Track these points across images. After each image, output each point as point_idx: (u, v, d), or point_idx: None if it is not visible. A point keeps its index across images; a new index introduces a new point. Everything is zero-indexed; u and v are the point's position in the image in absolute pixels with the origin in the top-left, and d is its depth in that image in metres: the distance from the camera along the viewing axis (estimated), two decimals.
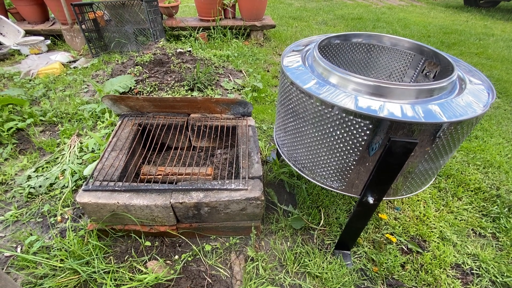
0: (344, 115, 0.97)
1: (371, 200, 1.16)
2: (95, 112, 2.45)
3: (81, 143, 2.14)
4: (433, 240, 1.57)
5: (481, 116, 0.96)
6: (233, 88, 2.97)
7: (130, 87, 2.69)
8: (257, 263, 1.42)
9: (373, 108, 0.93)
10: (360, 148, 1.02)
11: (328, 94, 1.01)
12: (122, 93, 2.65)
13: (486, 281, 1.41)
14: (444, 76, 1.35)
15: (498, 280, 1.41)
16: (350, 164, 1.08)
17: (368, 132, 0.96)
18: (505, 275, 1.42)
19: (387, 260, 1.46)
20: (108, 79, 2.78)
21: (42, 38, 3.98)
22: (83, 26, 3.59)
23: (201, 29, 4.19)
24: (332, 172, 1.16)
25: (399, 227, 1.64)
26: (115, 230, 1.46)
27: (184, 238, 1.51)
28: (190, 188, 1.32)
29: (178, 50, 2.95)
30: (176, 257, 1.43)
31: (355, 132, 0.98)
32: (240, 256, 1.48)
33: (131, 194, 1.31)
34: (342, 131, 1.01)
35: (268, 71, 3.48)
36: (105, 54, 3.85)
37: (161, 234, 1.49)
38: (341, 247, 1.50)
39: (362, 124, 0.95)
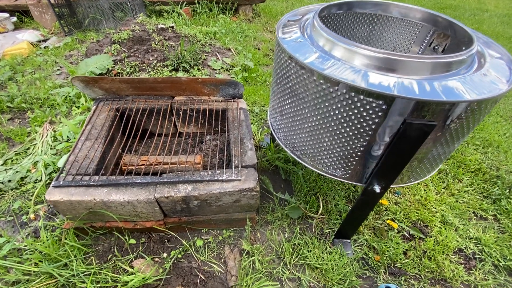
0: (352, 94, 0.83)
1: (377, 188, 1.05)
2: (69, 96, 2.22)
3: (54, 131, 1.93)
4: (435, 225, 1.51)
5: (506, 93, 0.84)
6: (222, 67, 2.76)
7: (108, 68, 2.45)
8: (253, 257, 1.32)
9: (387, 85, 0.79)
10: (370, 133, 0.89)
11: (334, 69, 0.86)
12: (99, 75, 2.41)
13: (489, 265, 1.37)
14: (457, 49, 1.22)
15: (501, 263, 1.37)
16: (357, 150, 0.96)
17: (380, 113, 0.83)
18: (507, 258, 1.39)
19: (389, 248, 1.39)
20: (83, 60, 2.52)
21: (7, 14, 3.56)
22: (52, 1, 3.22)
23: (184, 3, 3.86)
24: (335, 159, 1.04)
25: (400, 212, 1.57)
26: (95, 228, 1.32)
27: (172, 233, 1.39)
28: (176, 181, 1.18)
29: (159, 26, 2.69)
30: (165, 254, 1.32)
31: (365, 114, 0.85)
32: (234, 249, 1.38)
33: (110, 189, 1.16)
34: (350, 113, 0.87)
35: (258, 49, 3.26)
36: (79, 32, 3.51)
37: (147, 230, 1.37)
38: (341, 235, 1.42)
39: (374, 105, 0.81)
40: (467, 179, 1.79)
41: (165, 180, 1.18)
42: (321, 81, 0.88)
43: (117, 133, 1.54)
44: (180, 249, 1.34)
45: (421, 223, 1.54)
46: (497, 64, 0.96)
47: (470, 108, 0.81)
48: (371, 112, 0.83)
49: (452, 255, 1.40)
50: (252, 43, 3.36)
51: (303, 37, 1.04)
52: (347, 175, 1.08)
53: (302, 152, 1.15)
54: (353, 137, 0.93)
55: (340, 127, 0.93)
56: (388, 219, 1.53)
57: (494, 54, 1.03)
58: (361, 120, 0.87)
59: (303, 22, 1.16)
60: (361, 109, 0.85)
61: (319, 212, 1.54)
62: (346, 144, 0.97)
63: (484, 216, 1.59)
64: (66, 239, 1.29)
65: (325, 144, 1.03)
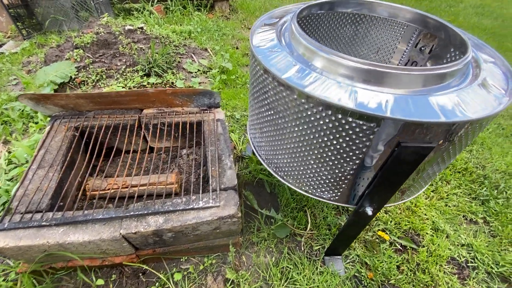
0: (339, 116, 0.71)
1: (369, 211, 0.96)
2: (26, 110, 1.98)
3: (9, 152, 1.71)
4: (426, 233, 1.46)
5: (508, 105, 0.75)
6: (198, 70, 2.59)
7: (71, 76, 2.22)
8: (239, 287, 1.21)
9: (378, 105, 0.68)
10: (360, 156, 0.78)
11: (316, 85, 0.74)
12: (60, 84, 2.18)
13: (482, 273, 1.33)
14: (445, 50, 1.14)
15: (493, 271, 1.34)
16: (346, 173, 0.86)
17: (371, 136, 0.72)
18: (499, 264, 1.35)
19: (381, 263, 1.32)
20: (42, 67, 2.27)
21: None
22: (5, 1, 2.89)
23: (156, 0, 3.61)
24: (323, 182, 0.94)
25: (391, 221, 1.50)
26: (56, 269, 1.15)
27: (147, 267, 1.25)
28: (145, 213, 1.04)
29: (127, 28, 2.47)
30: None
31: (354, 137, 0.74)
32: (218, 278, 1.26)
33: (66, 228, 1.00)
34: (337, 135, 0.76)
35: (237, 48, 3.10)
36: (40, 34, 3.19)
37: (118, 265, 1.21)
38: (332, 252, 1.33)
39: (365, 128, 0.70)
40: (454, 180, 1.75)
41: (132, 213, 1.03)
42: (303, 100, 0.76)
43: (77, 155, 1.36)
44: (157, 284, 1.21)
45: (413, 231, 1.48)
46: (491, 70, 0.88)
47: (470, 126, 0.72)
48: (361, 135, 0.73)
49: (445, 265, 1.34)
50: (230, 41, 3.19)
51: (280, 45, 0.92)
52: (336, 197, 0.97)
53: (286, 173, 1.04)
54: (341, 160, 0.82)
55: (326, 149, 0.82)
56: (379, 230, 1.46)
57: (488, 59, 0.94)
58: (350, 143, 0.76)
59: (280, 27, 1.03)
60: (350, 132, 0.73)
61: (308, 228, 1.44)
62: (334, 167, 0.86)
63: (474, 220, 1.56)
64: (23, 283, 1.11)
65: (310, 167, 0.91)
